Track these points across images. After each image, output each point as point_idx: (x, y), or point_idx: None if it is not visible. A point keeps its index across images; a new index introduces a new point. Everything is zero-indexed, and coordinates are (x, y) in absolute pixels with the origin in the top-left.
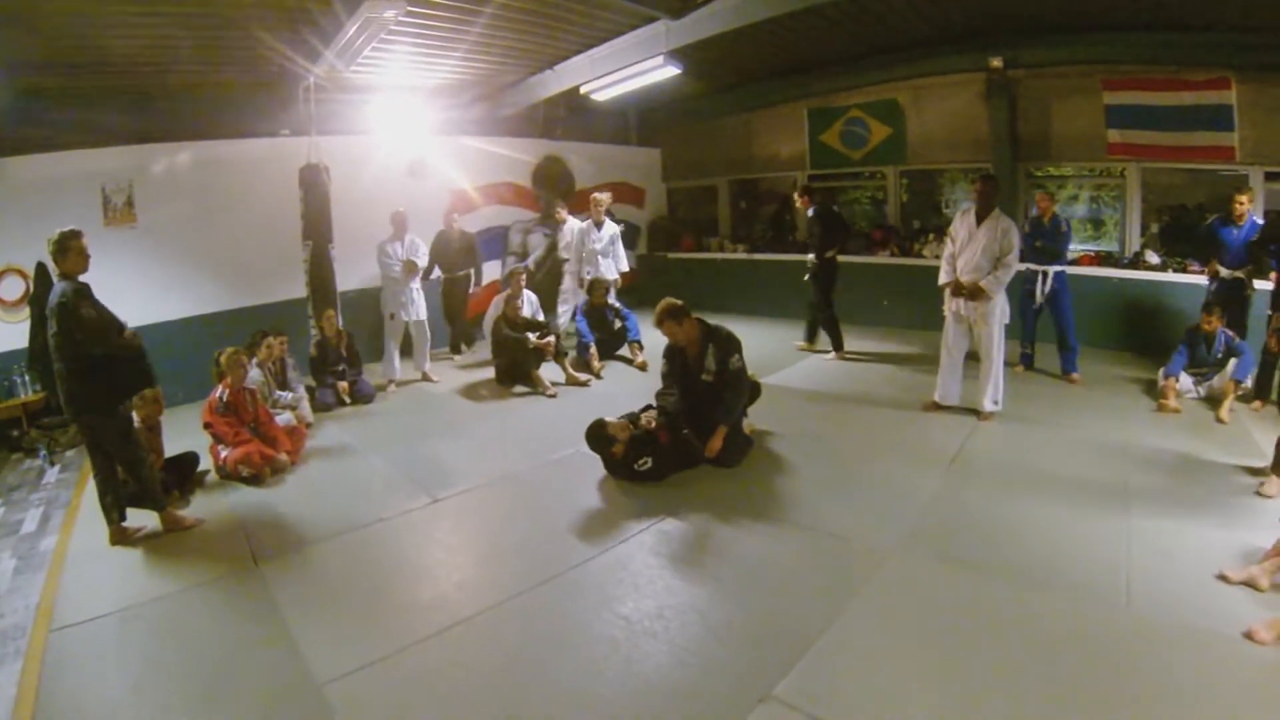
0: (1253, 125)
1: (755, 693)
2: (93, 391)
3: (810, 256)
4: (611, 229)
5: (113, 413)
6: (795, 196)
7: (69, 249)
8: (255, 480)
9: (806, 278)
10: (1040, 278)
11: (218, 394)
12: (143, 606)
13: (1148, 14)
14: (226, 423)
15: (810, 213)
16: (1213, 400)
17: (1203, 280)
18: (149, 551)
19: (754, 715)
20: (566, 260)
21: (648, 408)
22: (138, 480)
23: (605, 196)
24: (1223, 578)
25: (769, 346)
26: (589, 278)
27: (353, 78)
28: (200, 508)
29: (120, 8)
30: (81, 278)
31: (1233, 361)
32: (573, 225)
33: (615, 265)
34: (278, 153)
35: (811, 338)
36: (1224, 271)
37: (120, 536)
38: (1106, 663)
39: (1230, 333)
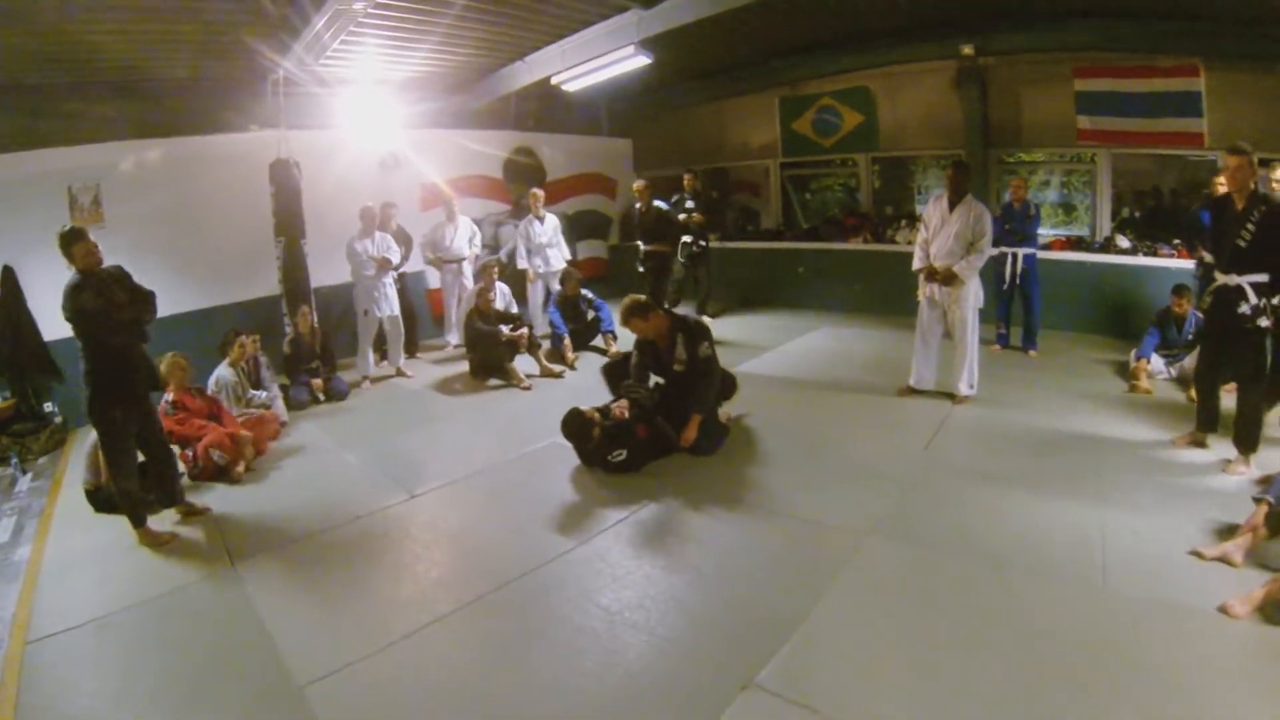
0: (1221, 110)
1: (737, 680)
2: (105, 383)
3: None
4: (553, 220)
5: (133, 406)
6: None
7: (72, 254)
8: (229, 470)
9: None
10: (1010, 259)
11: (165, 399)
12: (120, 614)
13: (1118, 1)
14: (177, 420)
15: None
16: (1184, 381)
17: (1172, 264)
18: (125, 558)
19: (736, 703)
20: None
21: (618, 398)
22: (160, 477)
23: (540, 192)
24: (1196, 554)
25: (745, 333)
26: (540, 271)
27: (322, 71)
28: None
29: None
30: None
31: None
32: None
33: (560, 254)
34: (248, 148)
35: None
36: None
37: (149, 538)
38: (1084, 641)
39: (1201, 314)
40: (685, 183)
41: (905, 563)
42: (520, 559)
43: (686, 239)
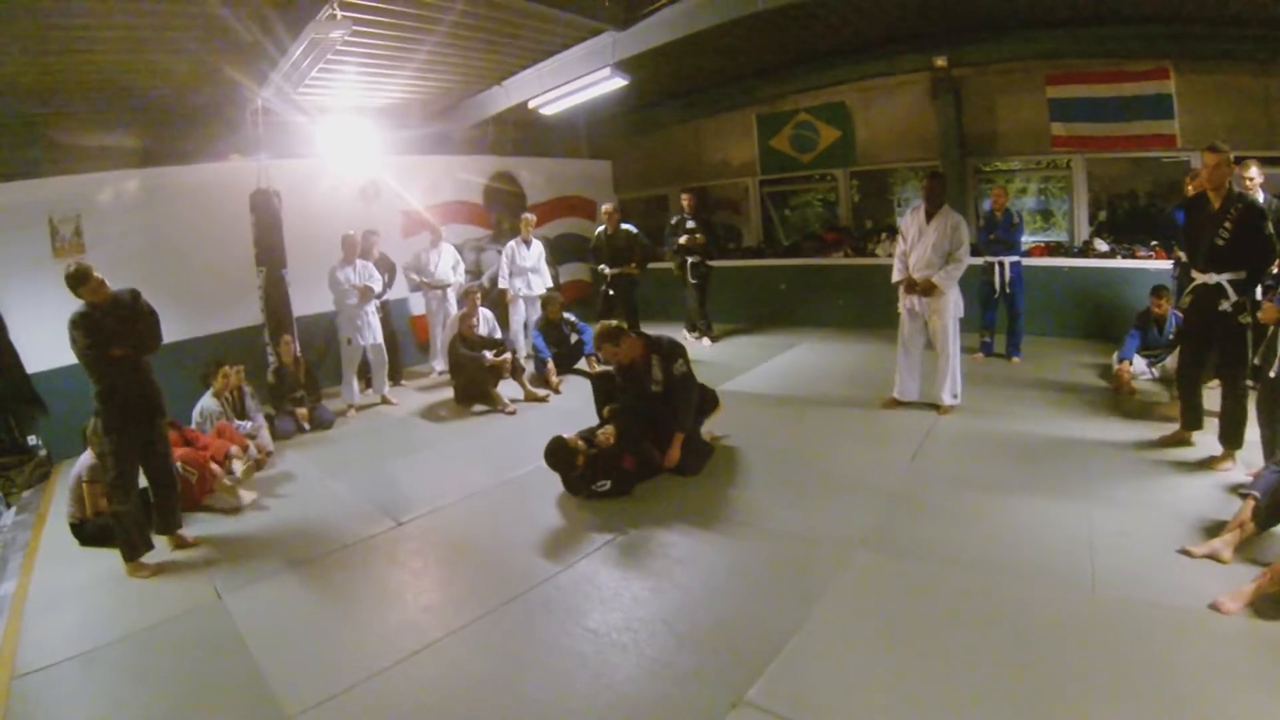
0: (1191, 112)
1: (728, 698)
2: (107, 409)
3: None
4: (538, 246)
5: (134, 434)
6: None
7: (79, 292)
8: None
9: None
10: (998, 269)
11: None
12: (106, 648)
13: (1088, 9)
14: None
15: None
16: (1166, 380)
17: (1151, 265)
18: (111, 591)
19: None
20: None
21: (602, 424)
22: (162, 501)
23: (532, 216)
24: (1185, 553)
25: (728, 351)
26: (520, 294)
27: (301, 99)
28: (160, 542)
29: (67, 30)
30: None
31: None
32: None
33: (543, 280)
34: (227, 178)
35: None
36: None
37: (138, 572)
38: (1077, 645)
39: (1180, 313)
40: (684, 203)
41: (894, 574)
42: (507, 584)
43: (693, 259)
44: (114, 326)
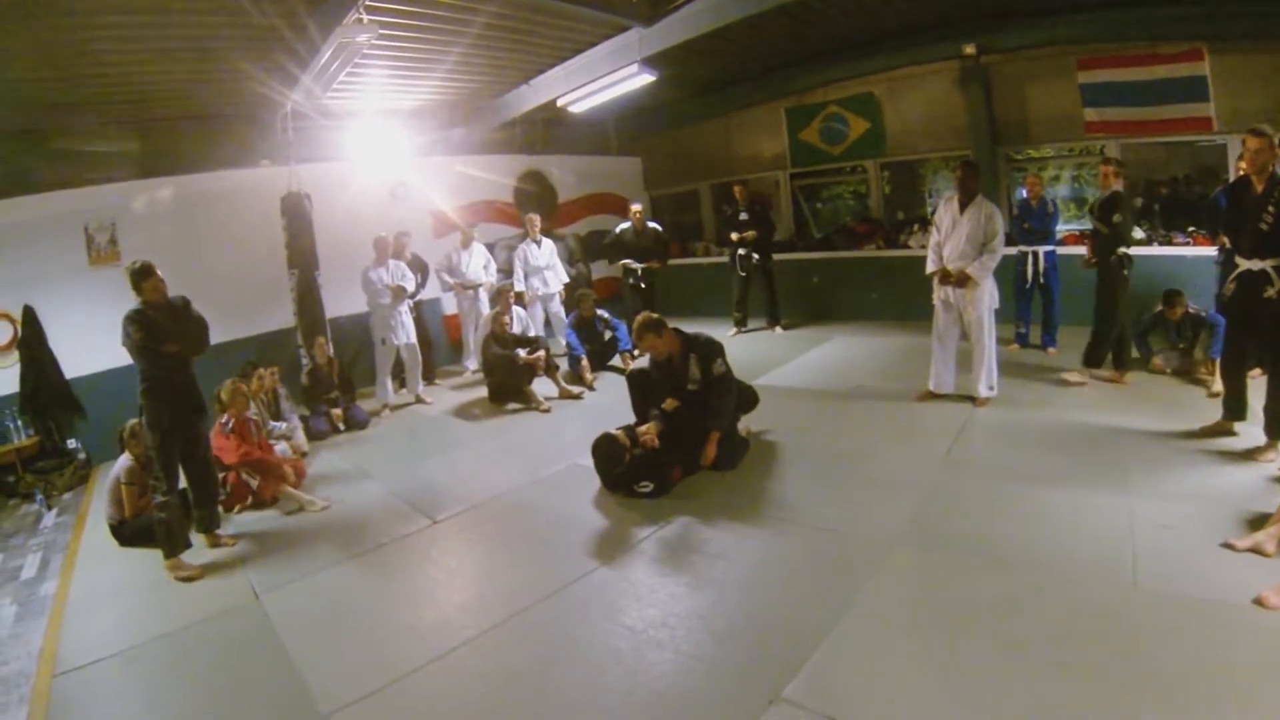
0: (1227, 94)
1: (764, 695)
2: (151, 408)
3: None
4: (549, 245)
5: (177, 430)
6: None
7: (142, 289)
8: (260, 494)
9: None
10: (1031, 258)
11: (223, 420)
12: (145, 647)
13: None
14: (225, 437)
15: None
16: (1184, 371)
17: (1188, 252)
18: (150, 591)
19: (765, 718)
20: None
21: (640, 421)
22: (201, 501)
23: (538, 216)
24: (1228, 546)
25: (762, 346)
26: (538, 293)
27: (330, 103)
28: (198, 542)
29: (99, 42)
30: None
31: (1204, 334)
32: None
33: (557, 278)
34: (259, 183)
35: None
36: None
37: (179, 571)
38: (1118, 642)
39: (1195, 309)
40: (737, 194)
41: (931, 570)
42: (543, 582)
43: (742, 252)
44: (166, 325)
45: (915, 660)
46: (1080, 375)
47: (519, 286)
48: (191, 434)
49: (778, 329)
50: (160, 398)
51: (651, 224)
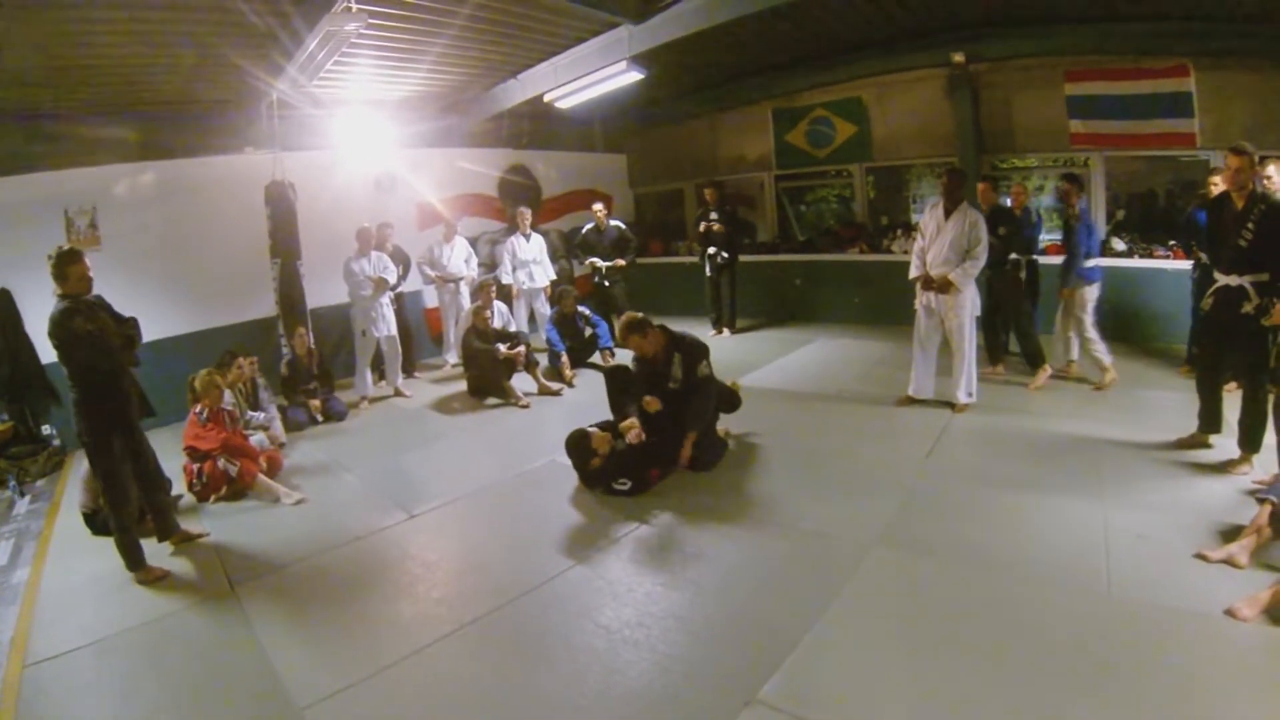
0: (1211, 110)
1: (740, 696)
2: (99, 413)
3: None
4: (538, 239)
5: (120, 436)
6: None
7: (67, 275)
8: (239, 481)
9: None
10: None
11: (197, 410)
12: (118, 637)
13: (1105, 5)
14: (201, 426)
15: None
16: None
17: (1168, 265)
18: (124, 581)
19: (740, 719)
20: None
21: (619, 419)
22: (153, 506)
23: (528, 210)
24: (1202, 557)
25: (743, 347)
26: (523, 288)
27: (316, 92)
28: (164, 548)
29: (84, 25)
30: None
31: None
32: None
33: (545, 273)
34: (243, 170)
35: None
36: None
37: (145, 577)
38: (1092, 648)
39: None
40: (708, 196)
41: (909, 573)
42: (520, 578)
43: (710, 250)
44: (107, 320)
45: (892, 663)
46: (1041, 377)
47: (505, 279)
48: (138, 433)
49: (725, 331)
50: (110, 399)
51: (614, 222)
